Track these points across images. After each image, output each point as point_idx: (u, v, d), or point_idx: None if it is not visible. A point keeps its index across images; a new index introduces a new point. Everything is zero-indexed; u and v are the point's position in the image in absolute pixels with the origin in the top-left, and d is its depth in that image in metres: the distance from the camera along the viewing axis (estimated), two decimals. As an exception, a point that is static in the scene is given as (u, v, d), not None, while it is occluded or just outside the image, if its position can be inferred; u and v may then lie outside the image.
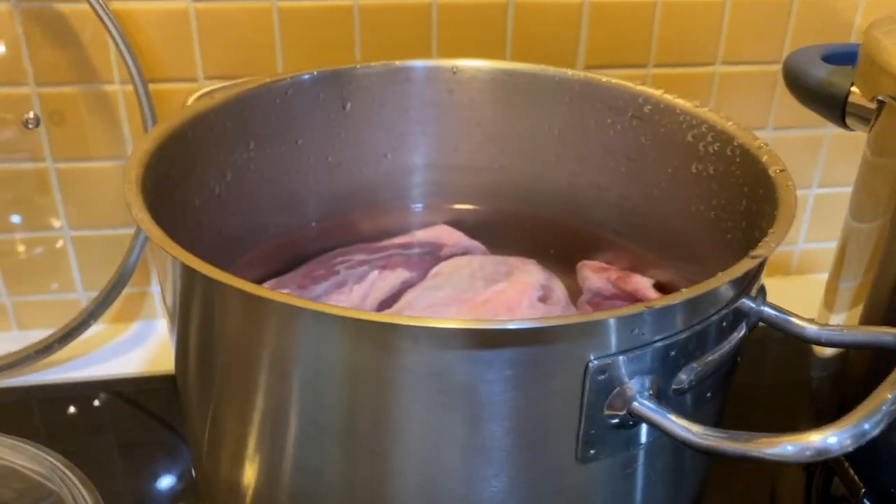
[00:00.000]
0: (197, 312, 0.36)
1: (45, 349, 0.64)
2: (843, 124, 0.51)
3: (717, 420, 0.40)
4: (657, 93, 0.52)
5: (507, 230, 0.62)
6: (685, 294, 0.31)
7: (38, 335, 0.64)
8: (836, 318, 0.55)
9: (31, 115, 0.60)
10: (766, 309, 0.38)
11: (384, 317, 0.29)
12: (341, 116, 0.57)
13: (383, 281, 0.54)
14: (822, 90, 0.51)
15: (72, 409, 0.62)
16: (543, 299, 0.52)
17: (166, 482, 0.54)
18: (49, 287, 0.68)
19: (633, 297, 0.54)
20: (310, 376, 0.33)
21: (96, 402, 0.62)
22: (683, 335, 0.33)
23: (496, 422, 0.32)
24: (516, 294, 0.51)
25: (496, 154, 0.60)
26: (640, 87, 0.53)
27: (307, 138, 0.56)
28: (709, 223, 0.50)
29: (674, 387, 0.34)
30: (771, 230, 0.36)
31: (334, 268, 0.54)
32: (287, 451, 0.35)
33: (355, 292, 0.52)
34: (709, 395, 0.37)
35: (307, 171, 0.57)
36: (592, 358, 0.31)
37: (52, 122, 0.61)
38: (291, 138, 0.55)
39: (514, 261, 0.56)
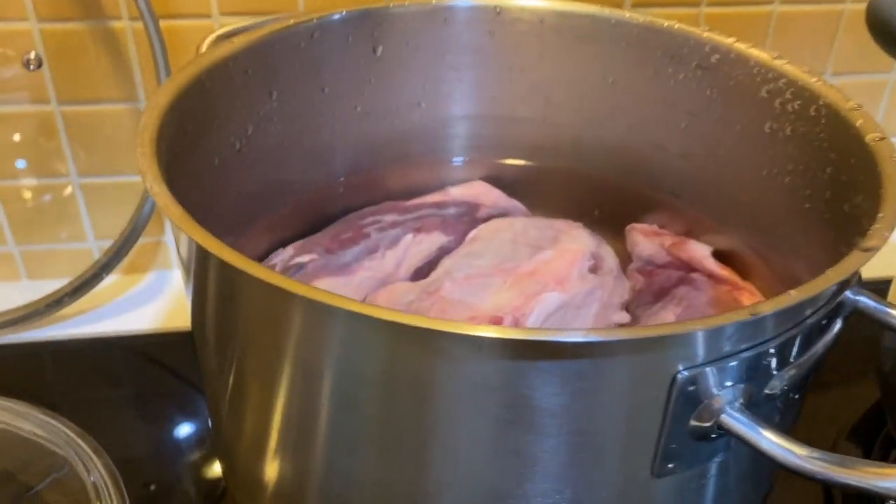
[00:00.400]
0: (215, 294, 0.32)
1: (54, 303, 0.61)
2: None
3: (797, 418, 0.36)
4: (728, 41, 0.47)
5: (550, 188, 0.57)
6: (795, 297, 0.27)
7: (48, 285, 0.61)
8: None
9: (33, 55, 0.55)
10: (864, 299, 0.33)
11: (438, 323, 0.24)
12: (372, 61, 0.51)
13: (418, 246, 0.49)
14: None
15: (83, 367, 0.58)
16: (594, 269, 0.47)
17: (184, 447, 0.51)
18: (59, 236, 0.65)
19: (688, 267, 0.50)
20: (344, 379, 0.29)
21: (109, 360, 0.59)
22: (782, 339, 0.29)
23: (562, 436, 0.28)
24: (565, 264, 0.46)
25: (541, 104, 0.54)
26: (707, 34, 0.48)
27: (334, 86, 0.50)
28: (782, 189, 0.45)
29: (766, 392, 0.30)
30: (880, 214, 0.31)
31: (364, 230, 0.50)
32: (317, 455, 0.31)
33: (388, 258, 0.48)
34: (796, 396, 0.33)
35: (334, 122, 0.51)
36: (681, 369, 0.27)
37: (56, 61, 0.56)
38: (317, 86, 0.50)
39: (559, 224, 0.51)
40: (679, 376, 0.27)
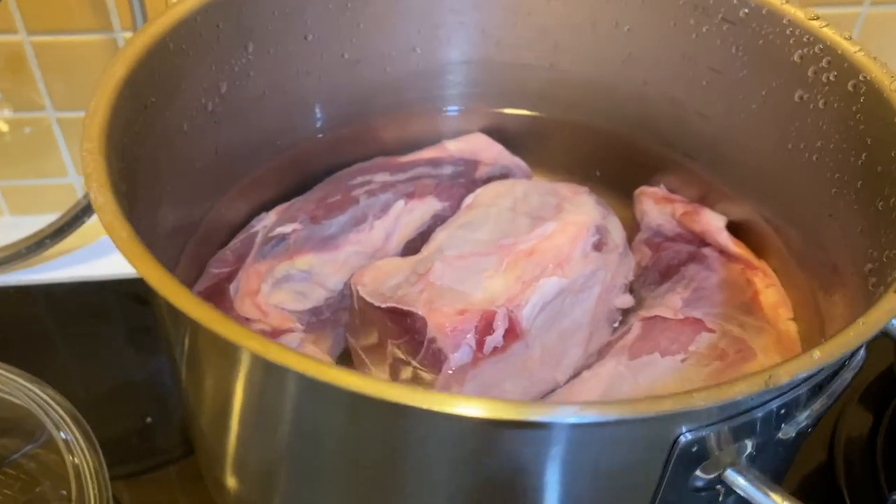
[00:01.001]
0: (168, 322, 0.29)
1: (36, 245, 0.59)
2: None
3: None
4: (760, -7, 0.41)
5: (556, 143, 0.52)
6: (818, 360, 0.23)
7: (32, 221, 0.58)
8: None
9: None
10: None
11: (414, 395, 0.21)
12: (361, 4, 0.46)
13: (410, 214, 0.46)
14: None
15: (64, 314, 0.56)
16: (598, 246, 0.44)
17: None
18: (41, 171, 0.62)
19: (700, 241, 0.46)
20: (304, 435, 0.26)
21: (93, 305, 0.57)
22: (797, 392, 0.26)
23: (548, 495, 0.26)
24: (567, 241, 0.43)
25: (548, 50, 0.49)
26: (737, -18, 0.42)
27: (319, 32, 0.45)
28: (808, 166, 0.41)
29: (779, 436, 0.27)
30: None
31: (352, 192, 0.46)
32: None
33: (376, 230, 0.44)
34: (810, 430, 0.30)
35: (319, 71, 0.47)
36: (685, 431, 0.24)
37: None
38: (299, 34, 0.45)
39: (563, 189, 0.47)
40: (682, 438, 0.24)
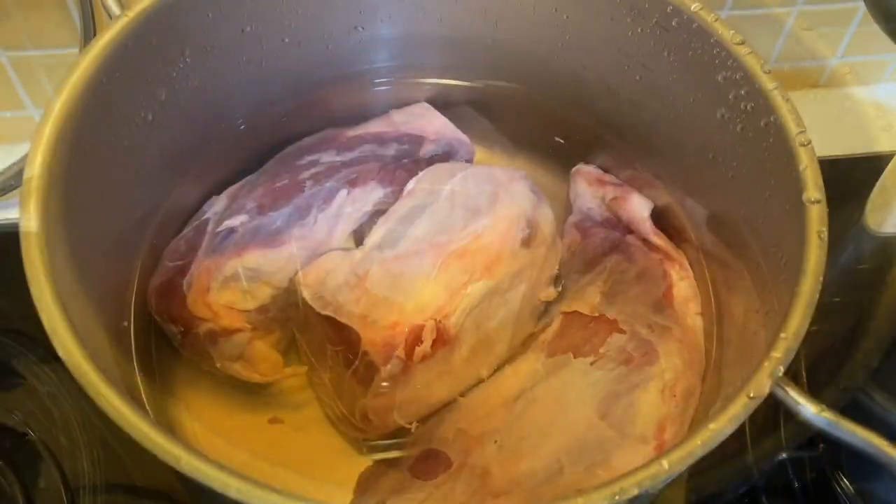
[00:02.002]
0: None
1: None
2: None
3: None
4: (691, 6, 0.41)
5: (499, 112, 0.53)
6: (667, 471, 0.28)
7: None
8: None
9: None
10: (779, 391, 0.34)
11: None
12: (299, -10, 0.46)
13: (353, 204, 0.48)
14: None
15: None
16: (527, 242, 0.47)
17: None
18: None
19: (625, 228, 0.49)
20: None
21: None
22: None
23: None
24: (498, 238, 0.46)
25: (490, 27, 0.49)
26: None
27: (257, 24, 0.45)
28: (726, 179, 0.43)
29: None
30: (783, 335, 0.31)
31: (299, 175, 0.48)
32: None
33: (320, 224, 0.47)
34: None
35: (260, 58, 0.47)
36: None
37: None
38: (237, 29, 0.45)
39: (500, 175, 0.49)
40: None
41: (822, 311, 0.51)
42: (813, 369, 0.52)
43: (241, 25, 0.45)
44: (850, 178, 0.61)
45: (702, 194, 0.46)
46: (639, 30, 0.44)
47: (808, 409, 0.34)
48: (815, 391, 0.51)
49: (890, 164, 0.48)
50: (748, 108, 0.40)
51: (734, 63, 0.40)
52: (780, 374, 0.31)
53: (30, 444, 0.46)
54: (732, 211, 0.43)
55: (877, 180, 0.53)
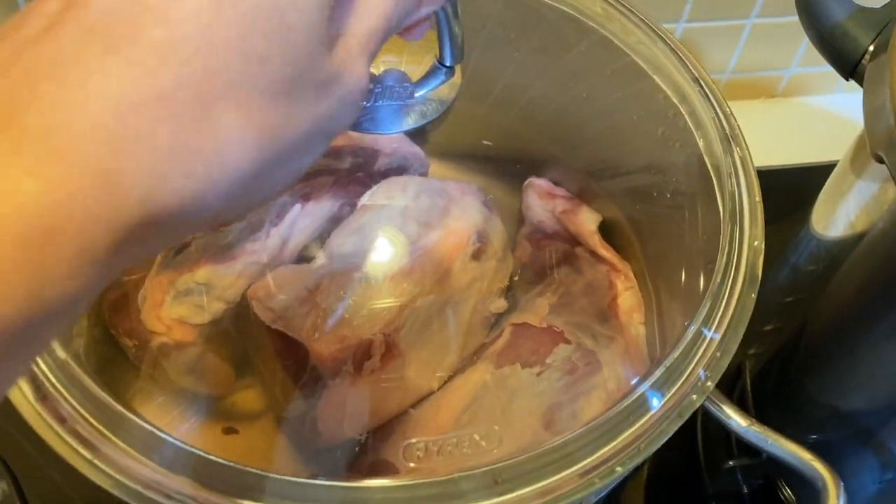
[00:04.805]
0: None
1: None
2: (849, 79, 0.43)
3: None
4: (628, 26, 0.42)
5: (453, 127, 0.54)
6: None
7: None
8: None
9: None
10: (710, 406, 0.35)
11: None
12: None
13: (305, 219, 0.49)
14: (834, 37, 0.42)
15: None
16: (477, 255, 0.48)
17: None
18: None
19: (573, 240, 0.50)
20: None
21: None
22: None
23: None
24: (448, 251, 0.47)
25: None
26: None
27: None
28: (669, 197, 0.44)
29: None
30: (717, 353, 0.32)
31: (253, 190, 0.49)
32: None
33: (272, 238, 0.47)
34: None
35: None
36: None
37: None
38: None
39: (452, 189, 0.50)
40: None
41: (776, 311, 0.52)
42: (766, 368, 0.54)
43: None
44: (805, 186, 0.62)
45: (646, 208, 0.48)
46: (582, 48, 0.46)
47: (738, 422, 0.35)
48: (768, 387, 0.52)
49: (832, 174, 0.49)
50: (683, 125, 0.41)
51: (669, 82, 0.41)
52: (709, 389, 0.32)
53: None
54: (675, 225, 0.44)
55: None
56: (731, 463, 0.52)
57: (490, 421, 0.43)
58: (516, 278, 0.50)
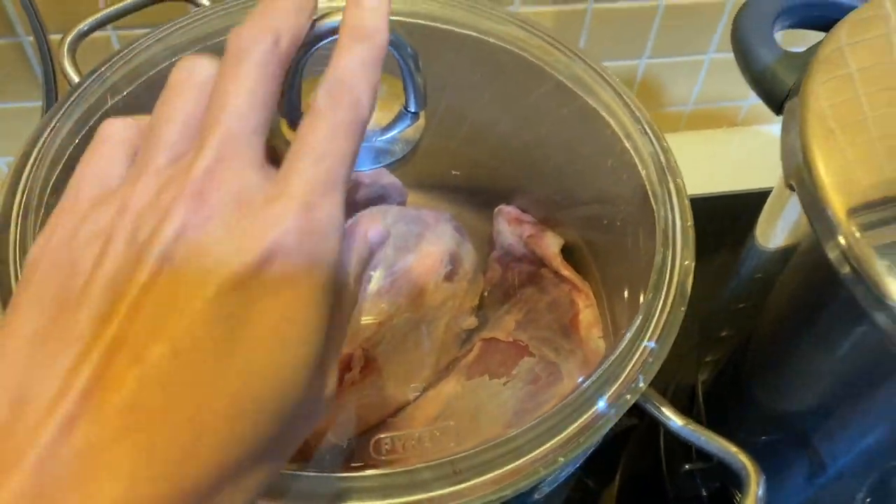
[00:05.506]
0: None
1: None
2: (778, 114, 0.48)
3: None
4: (576, 69, 0.47)
5: (427, 159, 0.59)
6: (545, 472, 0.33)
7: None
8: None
9: None
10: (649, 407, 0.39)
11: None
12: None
13: (292, 245, 0.53)
14: (765, 79, 0.47)
15: None
16: (450, 276, 0.52)
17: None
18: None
19: (539, 262, 0.55)
20: None
21: None
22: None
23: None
24: (423, 273, 0.51)
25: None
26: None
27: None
28: (618, 225, 0.49)
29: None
30: (650, 359, 0.37)
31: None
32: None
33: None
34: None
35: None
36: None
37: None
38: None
39: (427, 216, 0.55)
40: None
41: (729, 319, 0.57)
42: (721, 372, 0.58)
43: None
44: (759, 208, 0.68)
45: (599, 235, 0.52)
46: (542, 91, 0.51)
47: (676, 422, 0.40)
48: (722, 392, 0.57)
49: (772, 192, 0.54)
50: (629, 159, 0.46)
51: (616, 120, 0.46)
52: (642, 390, 0.36)
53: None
54: (624, 248, 0.49)
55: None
56: (687, 466, 0.56)
57: (458, 427, 0.47)
58: (487, 297, 0.55)
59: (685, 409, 0.59)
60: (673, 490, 0.60)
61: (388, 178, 0.58)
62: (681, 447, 0.59)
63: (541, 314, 0.52)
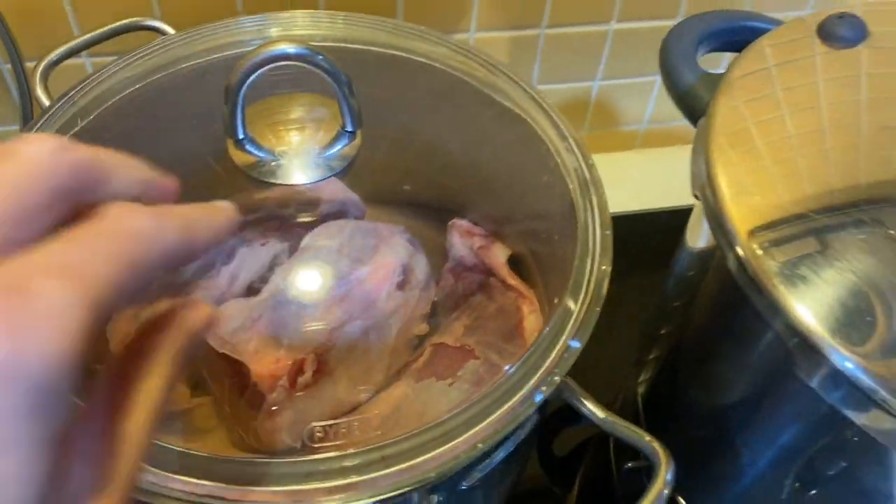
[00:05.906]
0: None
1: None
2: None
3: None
4: (514, 96, 0.51)
5: (384, 177, 0.63)
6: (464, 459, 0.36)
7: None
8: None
9: None
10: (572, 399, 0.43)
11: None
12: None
13: (253, 258, 0.57)
14: (687, 98, 0.51)
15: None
16: (402, 285, 0.55)
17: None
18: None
19: (488, 272, 0.58)
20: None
21: None
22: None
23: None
24: (376, 284, 0.55)
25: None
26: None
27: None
28: (555, 238, 0.52)
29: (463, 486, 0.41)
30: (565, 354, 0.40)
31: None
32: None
33: (222, 275, 0.55)
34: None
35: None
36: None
37: None
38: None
39: (382, 229, 0.58)
40: None
41: (668, 315, 0.60)
42: (659, 369, 0.61)
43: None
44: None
45: (541, 246, 0.56)
46: (488, 114, 0.54)
47: (597, 415, 0.43)
48: (661, 388, 0.60)
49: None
50: (560, 175, 0.50)
51: (550, 139, 0.50)
52: (557, 383, 0.39)
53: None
54: (559, 258, 0.53)
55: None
56: (629, 465, 0.59)
57: (406, 426, 0.50)
58: (439, 304, 0.58)
59: (631, 415, 0.63)
60: (621, 488, 0.63)
61: (348, 194, 0.61)
62: (628, 448, 0.62)
63: (488, 320, 0.56)
